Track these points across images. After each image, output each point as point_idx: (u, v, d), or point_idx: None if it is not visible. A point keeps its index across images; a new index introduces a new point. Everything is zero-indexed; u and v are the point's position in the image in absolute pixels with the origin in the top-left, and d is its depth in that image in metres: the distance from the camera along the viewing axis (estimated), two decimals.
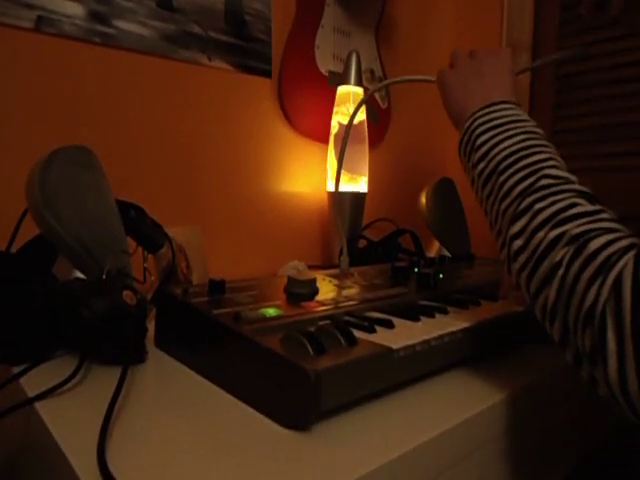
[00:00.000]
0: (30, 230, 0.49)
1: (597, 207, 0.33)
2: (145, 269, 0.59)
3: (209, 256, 0.77)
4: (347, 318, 0.42)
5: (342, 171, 0.89)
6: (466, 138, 0.43)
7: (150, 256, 0.61)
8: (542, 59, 0.56)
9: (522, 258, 0.34)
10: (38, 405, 0.34)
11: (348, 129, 0.61)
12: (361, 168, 0.95)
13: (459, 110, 0.46)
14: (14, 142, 0.67)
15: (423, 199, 0.92)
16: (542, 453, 0.44)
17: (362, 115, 0.95)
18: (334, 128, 0.95)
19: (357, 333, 0.37)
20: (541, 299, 0.33)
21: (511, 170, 0.38)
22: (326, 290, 0.50)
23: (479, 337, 0.43)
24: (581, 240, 0.31)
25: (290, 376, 0.31)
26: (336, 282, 0.54)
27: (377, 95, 1.12)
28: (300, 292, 0.47)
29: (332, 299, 0.46)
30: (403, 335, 0.38)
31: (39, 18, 0.66)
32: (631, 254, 0.28)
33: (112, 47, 0.74)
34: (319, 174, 1.02)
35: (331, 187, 0.96)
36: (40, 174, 0.45)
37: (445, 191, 0.94)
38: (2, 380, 0.37)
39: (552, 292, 0.31)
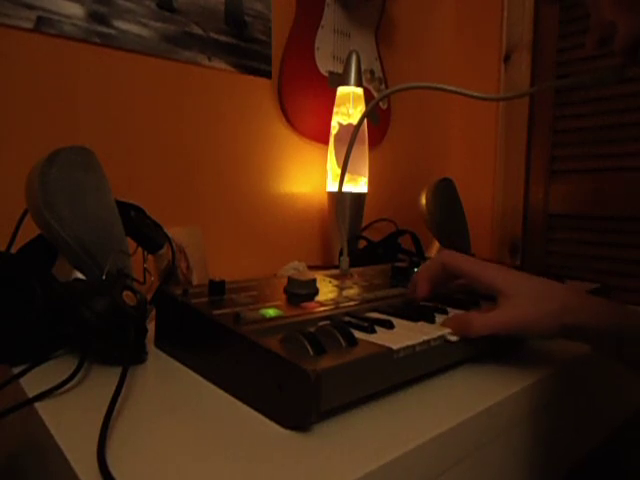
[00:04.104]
0: (30, 230, 0.49)
1: None
2: (145, 269, 0.59)
3: (209, 256, 0.77)
4: (347, 318, 0.42)
5: None
6: None
7: (150, 256, 0.61)
8: (569, 80, 0.52)
9: None
10: (38, 405, 0.34)
11: (354, 134, 0.61)
12: (361, 169, 0.96)
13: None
14: (14, 142, 0.67)
15: (423, 199, 0.92)
16: (544, 452, 0.44)
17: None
18: (334, 129, 0.95)
19: (357, 333, 0.37)
20: None
21: None
22: (326, 290, 0.50)
23: (479, 337, 0.43)
24: None
25: (290, 377, 0.31)
26: (336, 282, 0.54)
27: (377, 95, 1.12)
28: (300, 293, 0.47)
29: (332, 299, 0.46)
30: (403, 335, 0.38)
31: (39, 19, 0.66)
32: None
33: (112, 47, 0.74)
34: (319, 175, 1.02)
35: (331, 187, 0.96)
36: (40, 174, 0.45)
37: (445, 191, 0.94)
38: (2, 380, 0.37)
39: None
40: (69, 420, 0.32)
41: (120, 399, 0.34)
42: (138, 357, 0.43)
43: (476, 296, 0.53)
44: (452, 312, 0.46)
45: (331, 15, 1.00)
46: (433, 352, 0.38)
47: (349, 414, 0.33)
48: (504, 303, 0.41)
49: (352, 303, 0.46)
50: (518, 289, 0.41)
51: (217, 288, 0.45)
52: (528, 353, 0.47)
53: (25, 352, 0.41)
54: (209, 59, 0.84)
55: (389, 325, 0.40)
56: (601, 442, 0.56)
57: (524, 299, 0.41)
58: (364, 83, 1.06)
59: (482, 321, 0.40)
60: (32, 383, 0.37)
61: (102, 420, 0.30)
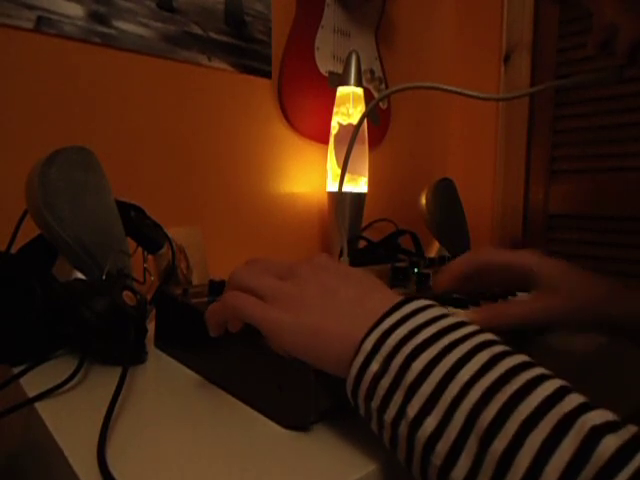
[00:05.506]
0: (30, 230, 0.49)
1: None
2: (145, 269, 0.59)
3: (209, 256, 0.77)
4: None
5: None
6: (375, 371, 0.26)
7: (150, 256, 0.61)
8: (569, 80, 0.51)
9: None
10: (38, 405, 0.34)
11: (354, 134, 0.61)
12: (361, 169, 0.96)
13: (328, 344, 0.29)
14: (14, 142, 0.67)
15: (423, 199, 0.92)
16: None
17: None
18: (334, 129, 0.95)
19: None
20: None
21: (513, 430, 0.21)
22: None
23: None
24: None
25: (290, 376, 0.31)
26: None
27: (377, 95, 1.12)
28: None
29: None
30: None
31: (39, 19, 0.66)
32: None
33: (112, 47, 0.74)
34: (319, 175, 1.02)
35: (331, 187, 0.96)
36: (40, 174, 0.45)
37: (445, 191, 0.94)
38: (2, 380, 0.37)
39: None
40: (69, 420, 0.32)
41: (120, 399, 0.34)
42: (138, 357, 0.43)
43: (476, 296, 0.53)
44: (451, 311, 0.46)
45: (331, 15, 1.00)
46: None
47: (349, 414, 0.33)
48: (540, 292, 0.40)
49: None
50: (556, 278, 0.40)
51: (217, 288, 0.44)
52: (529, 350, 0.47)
53: (25, 352, 0.41)
54: (209, 59, 0.84)
55: None
56: None
57: (561, 289, 0.39)
58: (364, 83, 1.06)
59: (516, 310, 0.40)
60: (32, 383, 0.37)
61: (102, 420, 0.30)
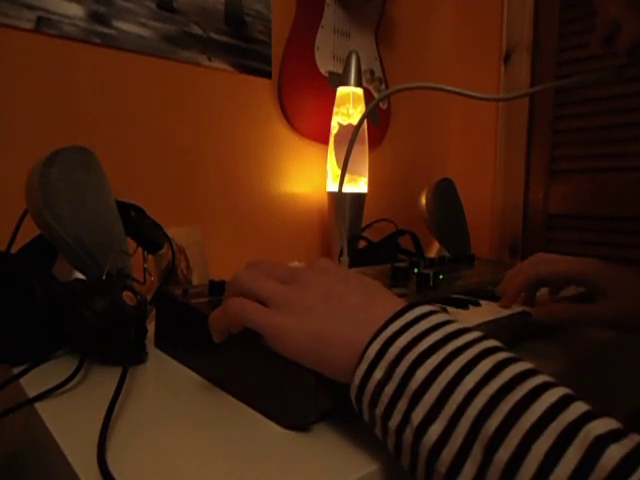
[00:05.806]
0: (30, 230, 0.49)
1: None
2: (145, 270, 0.59)
3: (209, 256, 0.77)
4: None
5: None
6: (379, 378, 0.26)
7: (150, 257, 0.61)
8: (569, 80, 0.52)
9: None
10: (38, 405, 0.34)
11: (354, 134, 0.61)
12: (361, 169, 0.96)
13: (333, 349, 0.29)
14: (14, 142, 0.67)
15: (423, 200, 0.92)
16: None
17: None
18: (334, 129, 0.95)
19: None
20: None
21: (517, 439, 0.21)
22: None
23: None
24: None
25: (290, 377, 0.31)
26: None
27: (377, 95, 1.12)
28: None
29: None
30: None
31: (39, 19, 0.66)
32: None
33: (112, 48, 0.74)
34: (319, 175, 1.02)
35: (331, 188, 0.96)
36: (40, 174, 0.45)
37: (445, 191, 0.94)
38: (2, 380, 0.37)
39: None
40: (69, 420, 0.32)
41: (120, 399, 0.34)
42: (138, 357, 0.43)
43: (476, 296, 0.53)
44: (452, 312, 0.46)
45: (331, 15, 1.00)
46: None
47: (349, 414, 0.33)
48: (599, 297, 0.44)
49: None
50: (613, 287, 0.43)
51: (217, 288, 0.44)
52: (529, 350, 0.47)
53: (25, 352, 0.41)
54: (209, 59, 0.84)
55: None
56: None
57: (618, 297, 0.43)
58: (364, 83, 1.06)
59: (576, 311, 0.44)
60: (32, 383, 0.37)
61: (102, 420, 0.30)
